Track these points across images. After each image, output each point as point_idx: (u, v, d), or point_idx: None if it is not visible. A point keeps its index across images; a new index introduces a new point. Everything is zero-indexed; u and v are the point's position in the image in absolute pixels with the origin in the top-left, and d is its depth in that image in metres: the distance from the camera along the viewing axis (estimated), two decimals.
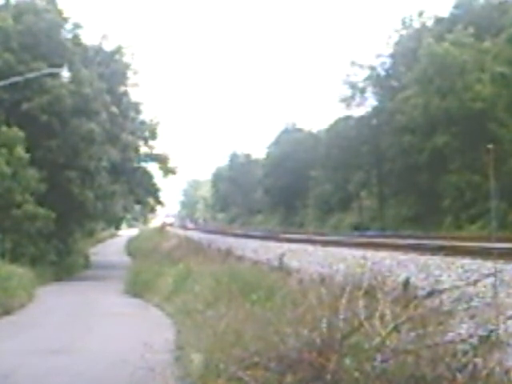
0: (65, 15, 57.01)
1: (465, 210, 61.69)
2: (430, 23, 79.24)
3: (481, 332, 10.33)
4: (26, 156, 41.81)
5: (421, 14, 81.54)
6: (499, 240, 30.70)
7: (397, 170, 73.44)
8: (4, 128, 40.48)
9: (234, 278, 24.08)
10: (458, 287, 14.30)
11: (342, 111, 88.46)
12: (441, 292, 13.75)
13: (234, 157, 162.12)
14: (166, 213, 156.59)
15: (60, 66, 45.55)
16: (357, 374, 8.17)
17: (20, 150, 41.55)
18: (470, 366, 8.45)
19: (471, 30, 67.25)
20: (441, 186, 65.52)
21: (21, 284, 32.93)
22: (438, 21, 77.33)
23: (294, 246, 40.17)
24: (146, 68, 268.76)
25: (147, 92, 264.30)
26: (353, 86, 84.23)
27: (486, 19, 67.72)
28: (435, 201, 66.36)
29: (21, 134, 41.94)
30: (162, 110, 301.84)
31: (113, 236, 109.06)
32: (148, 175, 71.09)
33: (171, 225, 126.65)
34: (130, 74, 68.41)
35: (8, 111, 42.96)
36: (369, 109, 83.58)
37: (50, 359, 17.44)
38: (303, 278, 20.55)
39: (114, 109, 59.28)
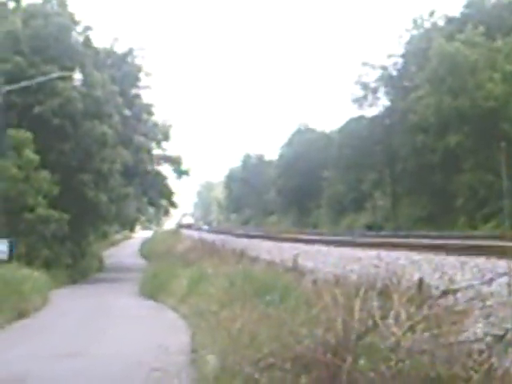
0: (76, 18, 57.14)
1: (478, 210, 61.55)
2: (440, 23, 79.30)
3: (496, 331, 10.25)
4: (36, 158, 41.86)
5: (432, 14, 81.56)
6: None
7: (410, 169, 73.38)
8: (12, 131, 40.40)
9: (248, 280, 24.02)
10: (472, 286, 14.21)
11: (354, 111, 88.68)
12: (455, 291, 13.66)
13: (246, 158, 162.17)
14: (184, 212, 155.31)
15: (71, 68, 45.77)
16: (372, 375, 8.14)
17: (29, 152, 41.54)
18: (486, 366, 8.38)
19: (482, 29, 67.28)
20: (454, 186, 65.42)
21: (35, 287, 33.05)
22: (449, 20, 77.30)
23: (307, 247, 39.98)
24: (158, 70, 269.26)
25: (160, 94, 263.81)
26: (365, 86, 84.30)
27: (497, 18, 67.61)
28: (448, 200, 66.24)
29: (29, 135, 41.95)
30: (175, 111, 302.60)
31: (127, 238, 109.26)
32: (161, 177, 71.31)
33: (190, 226, 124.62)
34: (142, 76, 68.54)
35: (20, 115, 43.12)
36: (381, 109, 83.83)
37: (65, 362, 17.47)
38: (317, 279, 20.47)
39: (126, 111, 59.55)
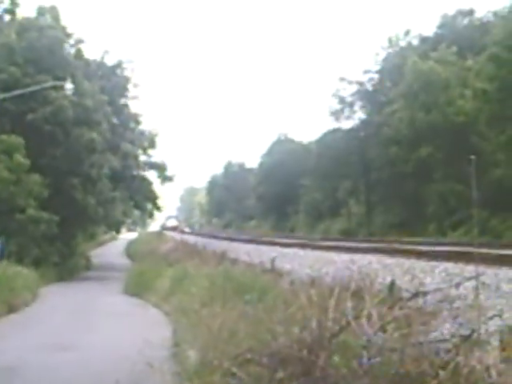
0: (68, 31, 57.36)
1: (448, 217, 61.97)
2: (415, 42, 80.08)
3: (463, 331, 10.34)
4: (27, 162, 42.00)
5: (407, 33, 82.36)
6: (481, 245, 30.98)
7: (383, 178, 73.85)
8: (4, 136, 40.55)
9: (228, 280, 24.10)
10: (441, 289, 14.31)
11: (331, 124, 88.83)
12: (425, 294, 13.75)
13: (228, 165, 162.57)
14: (168, 215, 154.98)
15: (63, 79, 45.87)
16: (344, 371, 8.18)
17: (19, 157, 41.70)
18: (452, 364, 8.45)
19: (454, 48, 68.15)
20: (425, 194, 65.96)
21: (25, 284, 33.04)
22: (423, 40, 78.04)
23: (285, 250, 40.18)
24: (144, 78, 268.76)
25: (146, 101, 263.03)
26: (342, 100, 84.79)
27: (468, 39, 68.15)
28: (420, 208, 66.78)
29: (20, 140, 42.10)
30: (161, 118, 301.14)
31: (113, 239, 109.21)
32: (147, 182, 71.37)
33: (176, 228, 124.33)
34: (130, 87, 68.66)
35: (13, 121, 43.19)
36: (357, 121, 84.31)
37: (54, 355, 17.50)
38: (294, 280, 20.57)
39: (114, 120, 59.71)
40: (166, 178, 74.39)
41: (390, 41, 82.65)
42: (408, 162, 67.90)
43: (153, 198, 73.51)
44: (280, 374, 8.16)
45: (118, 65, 67.58)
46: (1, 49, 47.05)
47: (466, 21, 76.03)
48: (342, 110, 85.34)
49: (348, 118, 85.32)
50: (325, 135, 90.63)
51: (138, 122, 70.27)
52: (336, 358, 8.44)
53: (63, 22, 57.85)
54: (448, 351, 8.95)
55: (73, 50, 56.73)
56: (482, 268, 18.63)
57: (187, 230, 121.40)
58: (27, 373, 15.15)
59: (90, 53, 64.14)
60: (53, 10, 57.31)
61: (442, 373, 8.14)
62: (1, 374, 15.16)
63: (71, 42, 57.49)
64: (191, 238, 74.82)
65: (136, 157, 68.04)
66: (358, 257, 28.67)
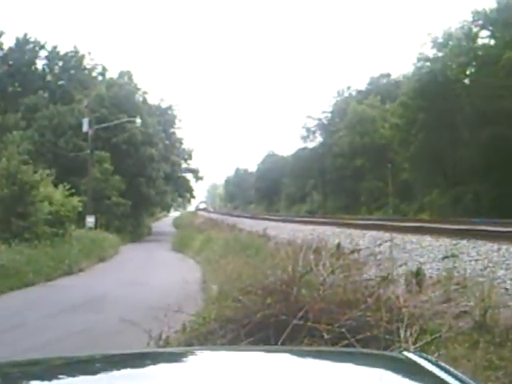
0: (138, 86, 58.00)
1: (373, 203, 62.19)
2: (353, 93, 79.71)
3: (382, 274, 10.39)
4: (111, 168, 42.18)
5: (348, 88, 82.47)
6: (396, 220, 30.99)
7: (333, 178, 73.66)
8: (97, 152, 40.70)
9: (236, 241, 24.22)
10: (369, 248, 14.36)
11: (301, 144, 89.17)
12: (359, 250, 13.79)
13: (237, 170, 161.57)
14: (200, 200, 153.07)
15: (134, 116, 45.79)
16: (308, 298, 8.21)
17: (107, 165, 42.01)
18: (376, 294, 8.49)
19: (378, 97, 68.21)
20: (359, 189, 66.01)
21: (110, 244, 33.11)
22: (359, 92, 78.08)
23: (272, 223, 40.17)
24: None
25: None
26: (308, 129, 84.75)
27: (387, 91, 68.00)
28: (356, 197, 66.78)
29: (107, 155, 42.40)
30: (191, 131, 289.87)
31: (165, 216, 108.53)
32: (186, 180, 71.28)
33: (206, 209, 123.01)
34: (176, 121, 68.61)
35: (103, 143, 43.18)
36: (317, 143, 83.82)
37: (127, 288, 17.70)
38: (277, 242, 20.61)
39: (166, 141, 59.70)
40: (198, 178, 74.56)
41: (338, 92, 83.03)
42: (348, 168, 68.15)
43: (189, 190, 73.58)
44: (268, 300, 8.17)
45: (169, 107, 67.59)
46: (96, 98, 47.11)
47: (385, 80, 75.97)
48: (308, 136, 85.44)
49: (312, 140, 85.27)
50: (297, 151, 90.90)
51: (181, 143, 70.18)
52: (303, 290, 8.45)
53: (135, 80, 58.51)
54: (373, 286, 9.00)
55: (141, 98, 56.76)
56: (394, 234, 18.61)
57: (211, 210, 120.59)
58: (111, 298, 15.35)
59: (152, 99, 64.11)
60: (128, 73, 57.98)
61: (369, 300, 8.18)
62: (97, 299, 15.32)
63: (139, 93, 57.61)
64: (213, 216, 74.71)
65: (179, 165, 67.77)
66: (317, 227, 28.57)
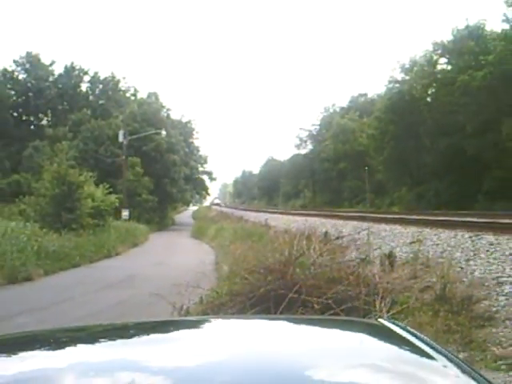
0: (163, 104, 57.99)
1: (354, 198, 61.97)
2: (337, 109, 79.50)
3: (361, 256, 10.36)
4: (141, 171, 42.02)
5: (333, 105, 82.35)
6: (372, 212, 30.94)
7: (321, 179, 73.58)
8: (130, 158, 40.65)
9: (243, 230, 24.16)
10: (351, 235, 14.31)
11: (295, 151, 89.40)
12: (342, 237, 13.74)
13: (244, 172, 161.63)
14: (216, 196, 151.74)
15: (160, 129, 45.76)
16: (302, 276, 8.20)
17: (138, 168, 41.88)
18: (356, 272, 8.47)
19: (358, 113, 68.04)
20: (342, 187, 65.81)
21: (141, 232, 32.94)
22: (342, 108, 77.79)
23: (271, 215, 40.15)
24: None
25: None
26: (300, 139, 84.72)
27: (364, 108, 67.82)
28: (339, 194, 66.56)
29: (138, 160, 42.25)
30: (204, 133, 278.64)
31: (185, 210, 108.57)
32: (202, 181, 71.23)
33: (219, 204, 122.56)
34: (194, 133, 68.54)
35: (135, 150, 43.03)
36: (308, 150, 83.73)
37: (154, 268, 17.63)
38: (277, 230, 20.57)
39: (186, 149, 59.59)
40: (211, 179, 74.49)
41: (324, 109, 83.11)
42: (333, 170, 67.94)
43: (205, 188, 73.44)
44: (269, 278, 8.16)
45: (188, 121, 67.39)
46: (129, 114, 47.20)
47: (363, 98, 75.75)
48: (300, 144, 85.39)
49: (304, 148, 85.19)
50: (292, 157, 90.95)
51: (198, 150, 69.98)
52: (298, 270, 8.44)
53: (160, 99, 58.70)
54: (354, 266, 8.97)
55: (165, 114, 56.70)
56: (371, 224, 18.62)
57: (222, 205, 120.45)
58: (141, 277, 15.37)
59: (175, 114, 64.26)
60: (155, 94, 58.53)
61: (351, 277, 8.17)
62: (131, 277, 15.37)
63: (164, 110, 57.57)
64: (224, 209, 74.66)
65: (197, 168, 67.70)
66: (308, 218, 28.51)
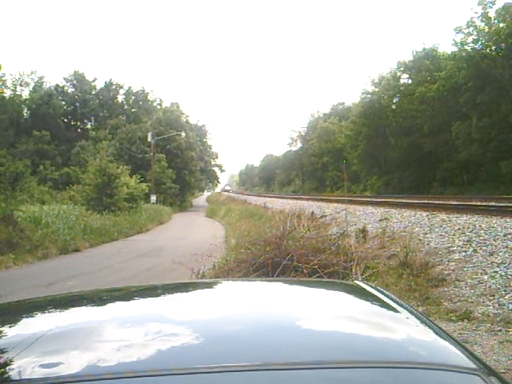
0: (183, 112, 57.40)
1: (335, 185, 61.96)
2: (321, 115, 79.03)
3: (340, 231, 10.35)
4: (166, 164, 41.74)
5: (318, 111, 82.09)
6: (349, 196, 30.90)
7: (308, 170, 73.48)
8: (157, 154, 40.43)
9: (247, 211, 24.07)
10: (332, 214, 14.27)
11: (288, 148, 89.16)
12: (325, 216, 13.70)
13: (247, 165, 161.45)
14: (224, 184, 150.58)
15: (180, 131, 45.48)
16: (293, 246, 8.18)
17: (163, 162, 41.62)
18: (337, 243, 8.45)
19: (337, 117, 67.54)
20: (325, 176, 65.76)
21: (166, 213, 32.50)
22: (325, 114, 77.30)
23: (270, 199, 40.10)
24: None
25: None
26: (292, 138, 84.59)
27: (342, 113, 67.52)
28: (323, 182, 66.55)
29: (163, 156, 41.92)
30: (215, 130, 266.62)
31: (201, 195, 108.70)
32: (214, 172, 70.99)
33: (229, 190, 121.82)
34: (207, 134, 68.11)
35: (161, 148, 42.79)
36: (298, 147, 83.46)
37: (177, 241, 17.38)
38: (274, 211, 20.55)
39: (201, 147, 59.28)
40: (222, 170, 74.25)
41: (311, 114, 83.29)
42: (318, 163, 67.79)
43: (216, 178, 73.49)
44: (267, 248, 8.13)
45: (203, 125, 67.06)
46: (155, 120, 46.83)
47: (341, 106, 75.23)
48: (292, 143, 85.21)
49: (294, 145, 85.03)
50: (285, 153, 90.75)
51: (210, 148, 69.61)
52: (290, 242, 8.41)
53: (181, 107, 58.07)
54: (335, 239, 8.92)
55: (184, 119, 56.16)
56: (349, 205, 18.61)
57: (231, 191, 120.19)
58: (166, 248, 15.15)
59: (192, 119, 63.70)
60: (176, 103, 57.45)
61: (332, 247, 8.12)
62: (157, 248, 15.20)
63: (184, 116, 57.03)
64: (233, 195, 74.56)
65: (210, 162, 67.55)
66: (298, 202, 28.45)
